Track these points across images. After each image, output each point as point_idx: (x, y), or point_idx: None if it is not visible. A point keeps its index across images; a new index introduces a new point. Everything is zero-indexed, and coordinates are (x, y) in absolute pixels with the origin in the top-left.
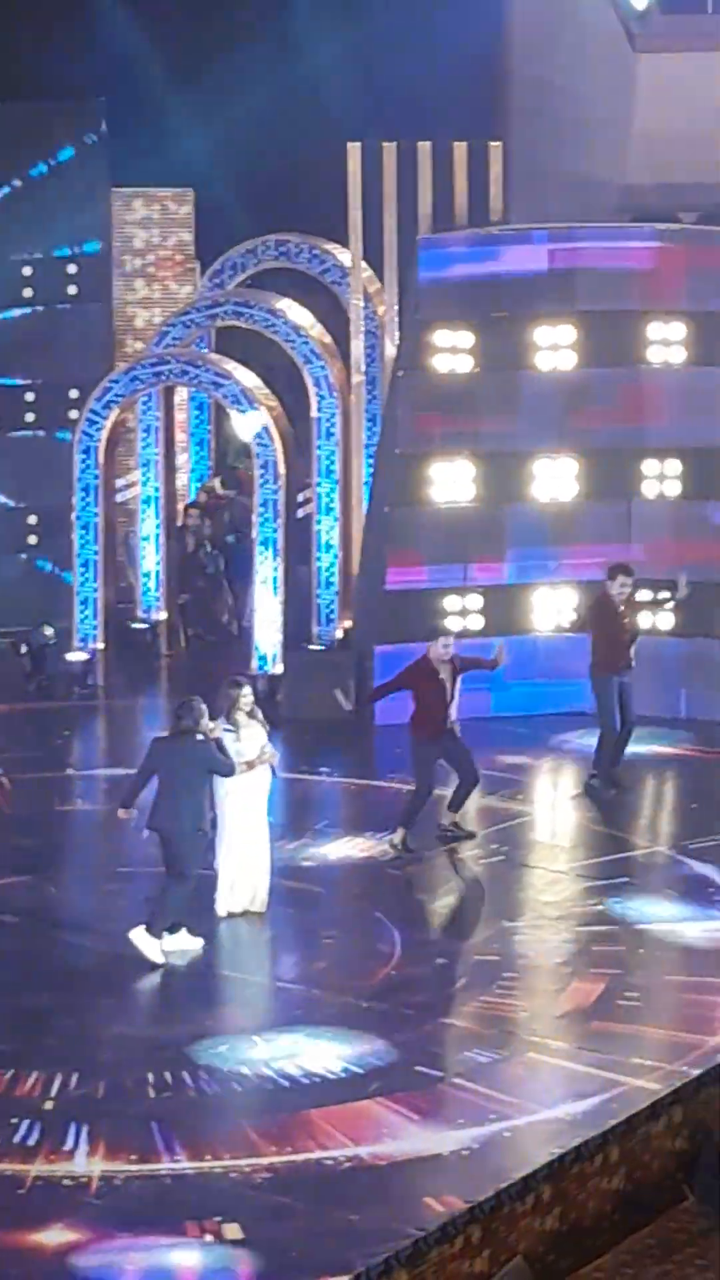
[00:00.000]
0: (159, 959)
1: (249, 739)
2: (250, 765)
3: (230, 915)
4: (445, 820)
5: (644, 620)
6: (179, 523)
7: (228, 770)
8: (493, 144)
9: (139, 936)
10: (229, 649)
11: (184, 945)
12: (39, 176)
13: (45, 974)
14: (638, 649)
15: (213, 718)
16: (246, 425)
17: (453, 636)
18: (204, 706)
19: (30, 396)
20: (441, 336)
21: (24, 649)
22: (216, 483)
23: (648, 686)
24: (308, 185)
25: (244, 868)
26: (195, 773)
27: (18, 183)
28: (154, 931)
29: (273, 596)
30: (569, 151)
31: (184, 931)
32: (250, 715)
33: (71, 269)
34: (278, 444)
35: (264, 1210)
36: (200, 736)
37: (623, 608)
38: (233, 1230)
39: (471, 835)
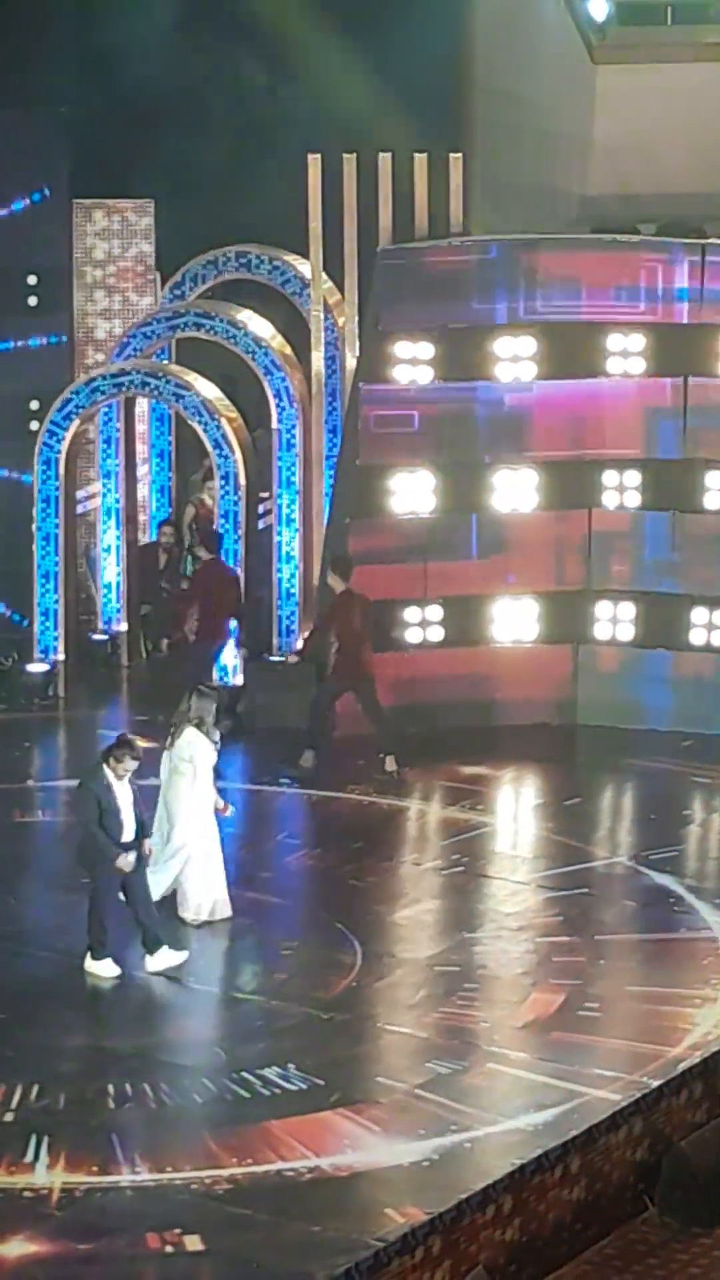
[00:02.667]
0: (112, 972)
1: (209, 749)
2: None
3: (197, 925)
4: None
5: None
6: (154, 538)
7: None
8: (453, 155)
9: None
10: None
11: (171, 961)
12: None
13: (5, 985)
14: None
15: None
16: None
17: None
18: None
19: None
20: (402, 348)
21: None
22: (206, 496)
23: (615, 698)
24: (268, 197)
25: (201, 877)
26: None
27: None
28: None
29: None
30: (529, 162)
31: (165, 949)
32: (198, 726)
33: (31, 280)
34: (238, 454)
35: (225, 1221)
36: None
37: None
38: (193, 1242)
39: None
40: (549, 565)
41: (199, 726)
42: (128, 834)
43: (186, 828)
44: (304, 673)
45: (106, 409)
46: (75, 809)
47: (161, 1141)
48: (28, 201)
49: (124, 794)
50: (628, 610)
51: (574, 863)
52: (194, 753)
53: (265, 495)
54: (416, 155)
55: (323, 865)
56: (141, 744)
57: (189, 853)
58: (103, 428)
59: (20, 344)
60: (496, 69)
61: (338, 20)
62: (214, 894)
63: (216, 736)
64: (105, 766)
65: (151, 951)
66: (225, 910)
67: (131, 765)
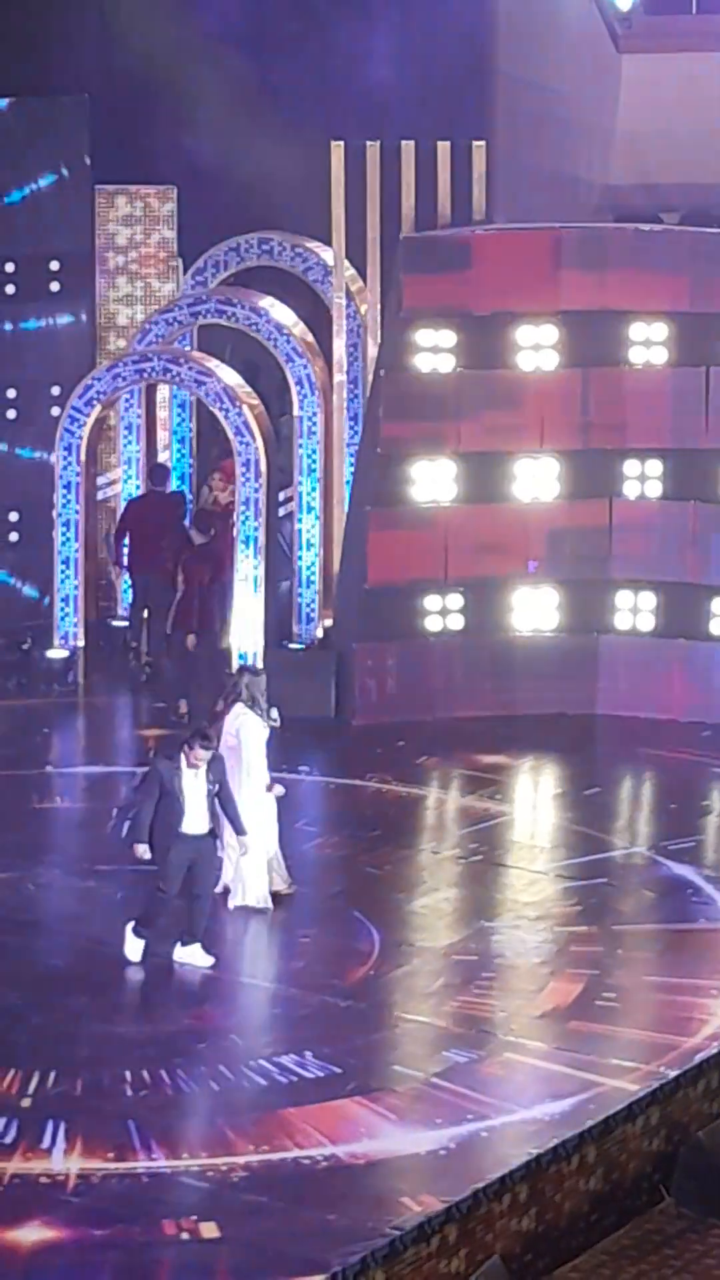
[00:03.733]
0: (134, 955)
1: (260, 727)
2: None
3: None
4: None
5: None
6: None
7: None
8: (476, 143)
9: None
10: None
11: (199, 961)
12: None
13: (23, 971)
14: None
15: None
16: None
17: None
18: (198, 750)
19: (11, 393)
20: (423, 336)
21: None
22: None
23: (634, 686)
24: (291, 183)
25: (263, 863)
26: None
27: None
28: (138, 932)
29: (253, 595)
30: (552, 151)
31: (198, 947)
32: (250, 704)
33: (54, 265)
34: (259, 442)
35: (241, 1209)
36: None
37: None
38: (209, 1229)
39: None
40: (570, 554)
41: (251, 705)
42: (190, 824)
43: (248, 817)
44: (325, 661)
45: (128, 395)
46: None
47: (178, 1128)
48: (50, 186)
49: (193, 783)
50: (648, 600)
51: (592, 852)
52: (240, 728)
53: (287, 492)
54: (440, 143)
55: (341, 853)
56: (156, 731)
57: (250, 842)
58: (124, 414)
59: (43, 328)
60: (520, 57)
61: (361, 7)
62: (270, 870)
63: (274, 714)
64: (181, 753)
65: (185, 944)
66: (285, 882)
67: (204, 755)
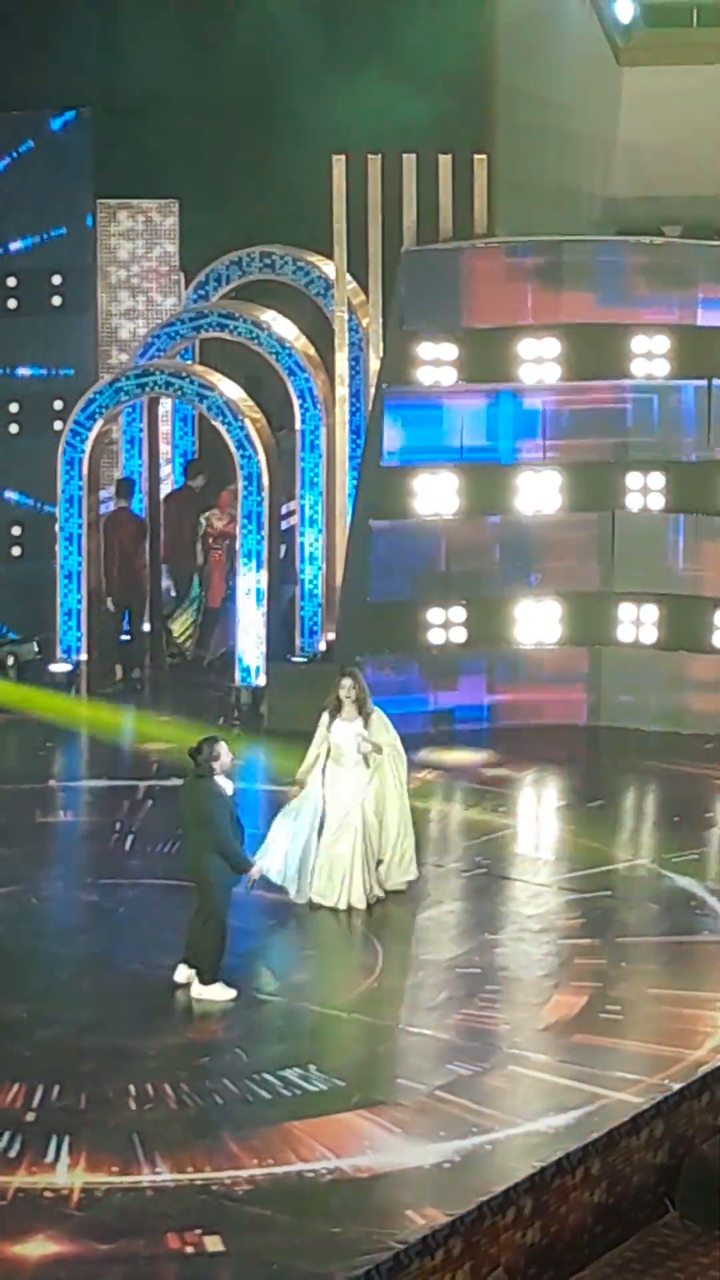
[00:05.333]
0: (229, 995)
1: (343, 730)
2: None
3: (318, 907)
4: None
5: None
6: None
7: (204, 824)
8: (478, 156)
9: (199, 991)
10: (213, 662)
11: (217, 995)
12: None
13: (26, 985)
14: None
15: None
16: None
17: None
18: (220, 747)
19: (14, 408)
20: (425, 349)
21: (11, 661)
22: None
23: (637, 700)
24: (292, 197)
25: (331, 863)
26: (198, 813)
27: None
28: (206, 980)
29: (256, 608)
30: (554, 164)
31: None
32: (356, 705)
33: (56, 280)
34: (261, 455)
35: (245, 1222)
36: (209, 776)
37: None
38: (214, 1242)
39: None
40: (571, 567)
41: (358, 709)
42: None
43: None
44: (326, 674)
45: (130, 409)
46: (208, 819)
47: (182, 1142)
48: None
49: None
50: (650, 613)
51: (596, 865)
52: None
53: (289, 504)
54: (441, 156)
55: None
56: (159, 745)
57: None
58: (126, 428)
59: (44, 342)
60: (522, 69)
61: (362, 20)
62: (345, 883)
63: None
64: (212, 768)
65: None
66: (357, 899)
67: (228, 760)
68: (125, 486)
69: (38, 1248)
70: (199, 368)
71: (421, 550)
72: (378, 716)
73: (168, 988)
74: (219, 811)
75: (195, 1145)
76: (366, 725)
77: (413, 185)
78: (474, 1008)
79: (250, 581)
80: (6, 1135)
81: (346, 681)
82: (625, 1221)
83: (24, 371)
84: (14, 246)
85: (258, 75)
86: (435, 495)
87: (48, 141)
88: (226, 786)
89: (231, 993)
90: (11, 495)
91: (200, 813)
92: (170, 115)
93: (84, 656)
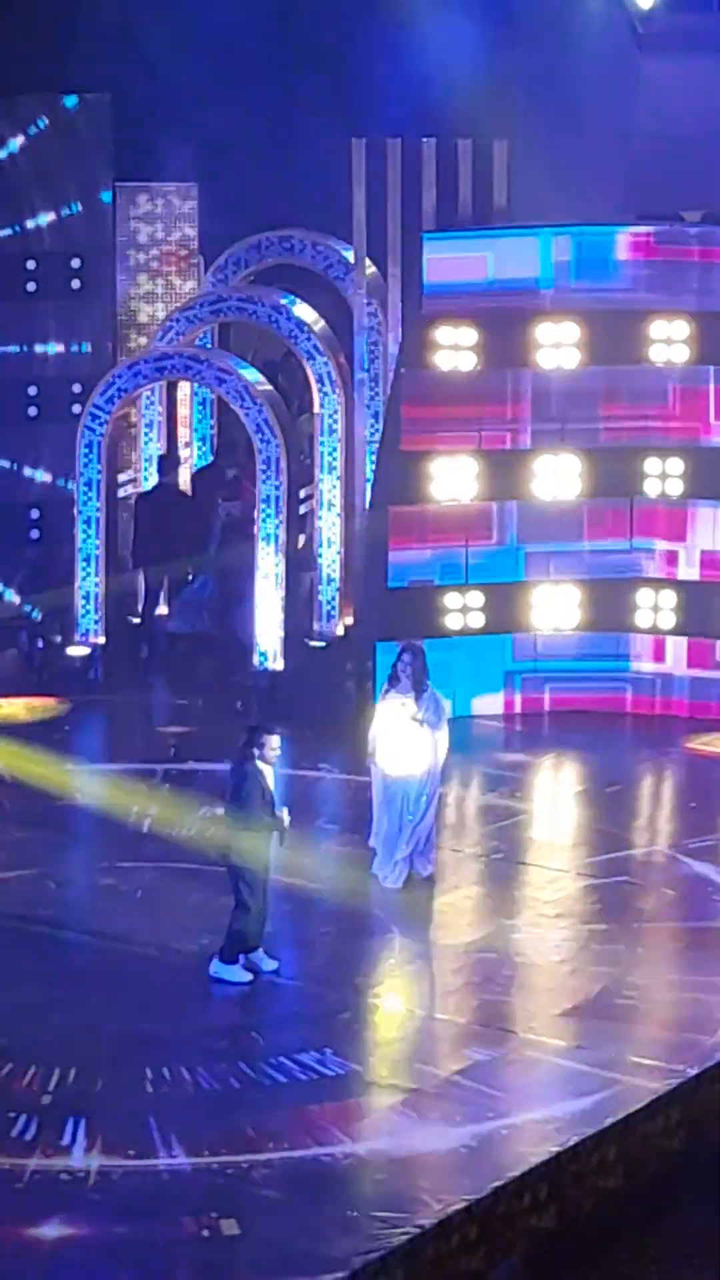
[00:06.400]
0: (244, 978)
1: (397, 706)
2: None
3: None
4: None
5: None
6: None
7: (236, 802)
8: (497, 141)
9: (215, 968)
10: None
11: (230, 976)
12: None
13: (43, 968)
14: None
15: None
16: None
17: None
18: (270, 738)
19: (33, 390)
20: (444, 333)
21: (41, 645)
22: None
23: (655, 686)
24: (312, 181)
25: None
26: (233, 791)
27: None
28: (226, 958)
29: (274, 592)
30: (573, 149)
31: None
32: (414, 682)
33: (75, 263)
34: (279, 439)
35: (261, 1206)
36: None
37: None
38: (230, 1226)
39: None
40: (590, 552)
41: (416, 686)
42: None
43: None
44: (345, 658)
45: (149, 392)
46: (236, 799)
47: (198, 1125)
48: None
49: (271, 779)
50: (669, 598)
51: (613, 850)
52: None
53: (307, 489)
54: (461, 140)
55: (361, 851)
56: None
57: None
58: (144, 411)
59: (63, 325)
60: (543, 55)
61: (382, 4)
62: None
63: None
64: (255, 750)
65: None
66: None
67: (276, 744)
68: (168, 462)
69: (53, 1230)
70: (217, 351)
71: (439, 535)
72: (431, 695)
73: (185, 971)
74: (249, 789)
75: (212, 1129)
76: (418, 701)
77: (432, 169)
78: (491, 993)
79: (269, 566)
80: (24, 1118)
81: (406, 656)
82: (642, 1208)
83: (42, 352)
84: (30, 225)
85: (278, 58)
86: (453, 480)
87: (63, 120)
88: (267, 773)
89: (247, 976)
90: (33, 474)
91: (233, 790)
92: (190, 98)
93: (101, 640)
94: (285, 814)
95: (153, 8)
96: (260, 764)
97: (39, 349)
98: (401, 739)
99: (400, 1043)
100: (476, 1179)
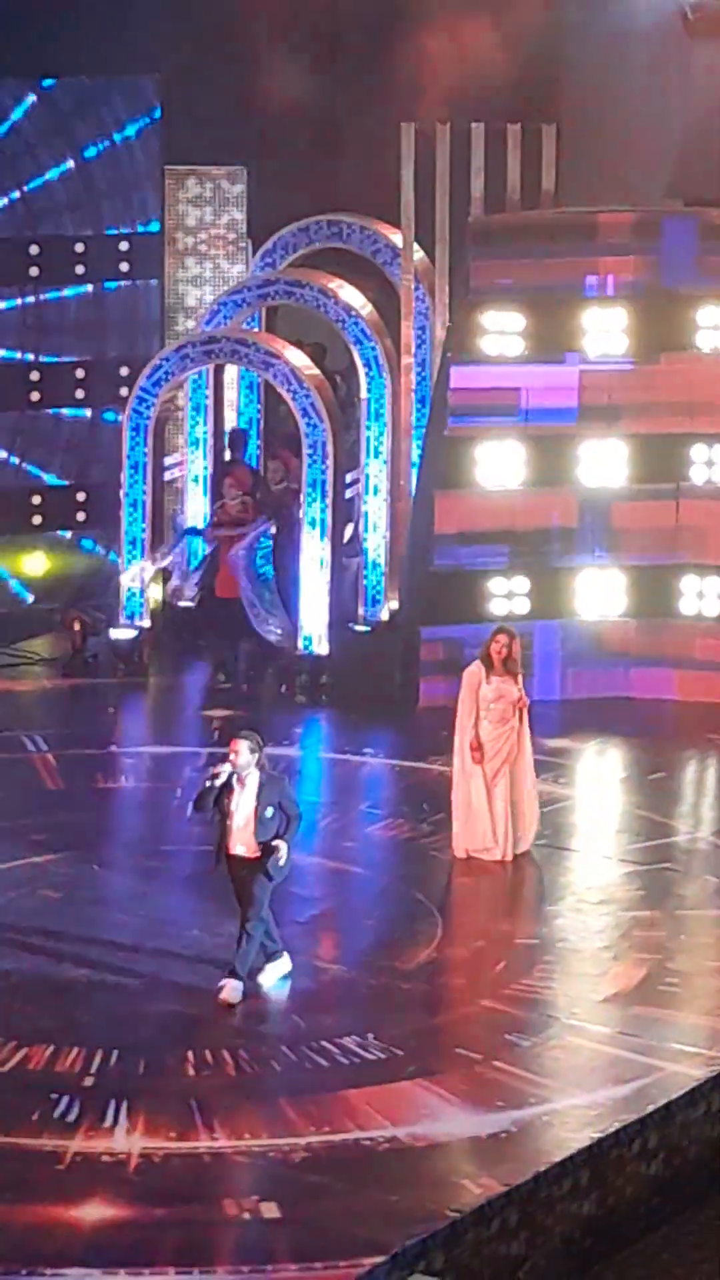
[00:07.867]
0: (287, 966)
1: (489, 687)
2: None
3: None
4: None
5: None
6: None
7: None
8: (545, 126)
9: (266, 978)
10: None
11: (279, 970)
12: (94, 154)
13: (86, 951)
14: None
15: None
16: None
17: None
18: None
19: (80, 374)
20: (491, 318)
21: (78, 627)
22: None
23: (697, 671)
24: (360, 166)
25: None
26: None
27: (71, 162)
28: (236, 976)
29: (320, 576)
30: (621, 135)
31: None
32: (504, 665)
33: (124, 246)
34: (327, 424)
35: (301, 1190)
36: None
37: None
38: (270, 1209)
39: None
40: (636, 539)
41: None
42: None
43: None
44: (391, 643)
45: (196, 376)
46: (286, 800)
47: (240, 1109)
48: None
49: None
50: (714, 585)
51: (656, 837)
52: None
53: (354, 474)
54: (510, 126)
55: (404, 836)
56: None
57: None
58: (192, 395)
59: (111, 308)
60: (591, 41)
61: None
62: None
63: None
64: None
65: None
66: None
67: (241, 751)
68: (239, 437)
69: (95, 1211)
70: (265, 335)
71: (485, 520)
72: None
73: (228, 953)
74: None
75: (253, 1112)
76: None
77: (481, 154)
78: (532, 978)
79: (315, 550)
80: (66, 1100)
81: (502, 638)
82: (682, 1194)
83: (89, 338)
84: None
85: (328, 43)
86: (500, 465)
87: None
88: (250, 785)
89: (287, 965)
90: None
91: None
92: (239, 82)
93: (146, 623)
94: (284, 848)
95: None
96: (227, 773)
97: (85, 333)
98: (495, 722)
99: (442, 1028)
100: (517, 1164)
